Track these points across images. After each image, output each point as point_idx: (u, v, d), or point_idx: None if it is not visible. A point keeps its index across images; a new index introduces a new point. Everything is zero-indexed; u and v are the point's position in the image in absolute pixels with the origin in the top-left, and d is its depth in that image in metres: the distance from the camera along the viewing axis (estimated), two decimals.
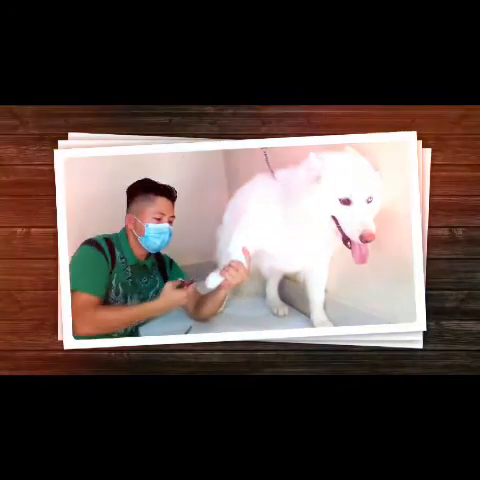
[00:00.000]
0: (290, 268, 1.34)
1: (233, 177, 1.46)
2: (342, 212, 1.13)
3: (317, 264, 1.30)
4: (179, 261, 1.37)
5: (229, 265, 1.24)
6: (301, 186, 1.17)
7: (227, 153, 1.32)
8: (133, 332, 1.31)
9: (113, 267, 1.29)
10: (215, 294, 1.28)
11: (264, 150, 1.26)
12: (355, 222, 1.11)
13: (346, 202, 1.12)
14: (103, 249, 1.28)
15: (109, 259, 1.28)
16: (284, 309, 1.37)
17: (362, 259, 1.14)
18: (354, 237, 1.11)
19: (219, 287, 1.26)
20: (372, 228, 1.10)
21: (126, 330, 1.30)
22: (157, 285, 1.35)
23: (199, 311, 1.32)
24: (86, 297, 1.23)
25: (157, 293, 1.31)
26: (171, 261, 1.38)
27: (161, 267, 1.37)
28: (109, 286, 1.28)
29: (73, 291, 1.23)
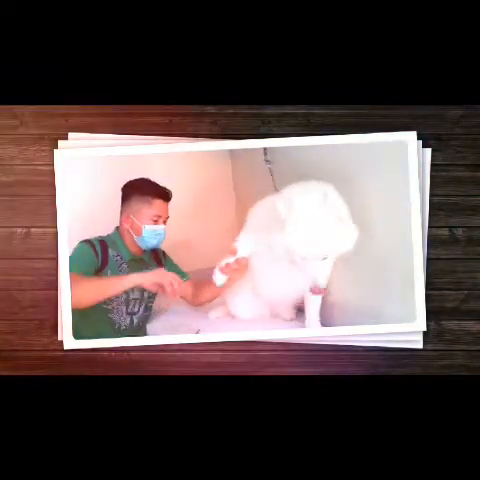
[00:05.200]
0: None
1: (239, 181, 1.48)
2: (300, 263, 1.18)
3: (318, 276, 1.30)
4: (183, 267, 1.38)
5: (230, 265, 1.27)
6: (271, 228, 1.20)
7: (233, 158, 1.34)
8: (139, 330, 1.33)
9: (104, 265, 1.30)
10: (214, 286, 1.31)
11: (270, 167, 1.29)
12: (307, 276, 1.20)
13: (302, 258, 1.17)
14: (95, 247, 1.29)
15: (100, 257, 1.29)
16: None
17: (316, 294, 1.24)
18: (306, 286, 1.22)
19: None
20: (321, 283, 1.21)
21: (132, 325, 1.33)
22: None
23: (199, 298, 1.37)
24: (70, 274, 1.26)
25: None
26: (164, 252, 1.39)
27: (157, 259, 1.39)
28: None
29: None
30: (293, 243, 1.16)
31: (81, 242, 1.28)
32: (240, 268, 1.27)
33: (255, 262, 1.31)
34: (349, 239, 1.18)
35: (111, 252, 1.31)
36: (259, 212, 1.31)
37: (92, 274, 1.28)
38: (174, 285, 1.25)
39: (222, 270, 1.27)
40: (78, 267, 1.26)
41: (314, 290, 1.20)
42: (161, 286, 1.26)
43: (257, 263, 1.31)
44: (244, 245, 1.29)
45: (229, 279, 1.28)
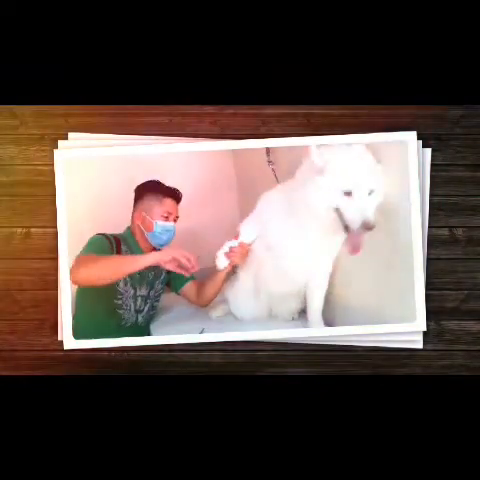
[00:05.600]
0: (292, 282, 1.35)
1: (242, 180, 1.48)
2: (344, 203, 1.17)
3: (320, 271, 1.31)
4: None
5: (232, 249, 1.31)
6: (305, 178, 1.21)
7: (235, 157, 1.34)
8: (144, 330, 1.35)
9: None
10: (216, 275, 1.35)
11: (272, 167, 1.33)
12: (356, 212, 1.16)
13: (348, 194, 1.16)
14: (110, 239, 1.31)
15: (114, 249, 1.31)
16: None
17: (355, 249, 1.19)
18: (355, 225, 1.16)
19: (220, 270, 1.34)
20: (372, 218, 1.15)
21: (137, 323, 1.34)
22: (162, 276, 1.40)
23: (202, 296, 1.39)
24: (84, 256, 1.25)
25: (163, 284, 1.39)
26: None
27: None
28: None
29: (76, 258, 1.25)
30: (337, 181, 1.16)
31: (97, 234, 1.30)
32: (242, 252, 1.32)
33: (257, 258, 1.32)
34: (382, 185, 1.19)
35: (123, 247, 1.33)
36: (268, 201, 1.33)
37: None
38: (191, 260, 1.25)
39: (226, 254, 1.31)
40: (94, 252, 1.27)
41: (366, 224, 1.14)
42: (178, 263, 1.26)
43: (259, 259, 1.33)
44: (248, 231, 1.32)
45: (229, 263, 1.32)
